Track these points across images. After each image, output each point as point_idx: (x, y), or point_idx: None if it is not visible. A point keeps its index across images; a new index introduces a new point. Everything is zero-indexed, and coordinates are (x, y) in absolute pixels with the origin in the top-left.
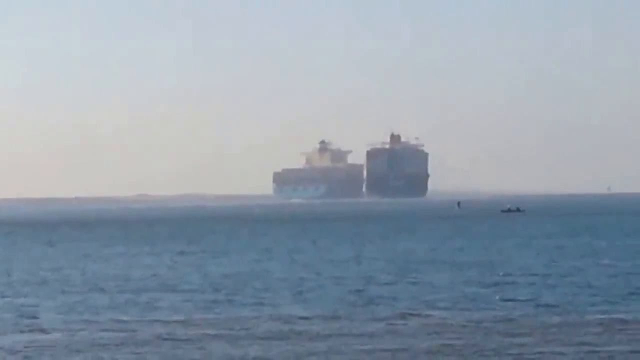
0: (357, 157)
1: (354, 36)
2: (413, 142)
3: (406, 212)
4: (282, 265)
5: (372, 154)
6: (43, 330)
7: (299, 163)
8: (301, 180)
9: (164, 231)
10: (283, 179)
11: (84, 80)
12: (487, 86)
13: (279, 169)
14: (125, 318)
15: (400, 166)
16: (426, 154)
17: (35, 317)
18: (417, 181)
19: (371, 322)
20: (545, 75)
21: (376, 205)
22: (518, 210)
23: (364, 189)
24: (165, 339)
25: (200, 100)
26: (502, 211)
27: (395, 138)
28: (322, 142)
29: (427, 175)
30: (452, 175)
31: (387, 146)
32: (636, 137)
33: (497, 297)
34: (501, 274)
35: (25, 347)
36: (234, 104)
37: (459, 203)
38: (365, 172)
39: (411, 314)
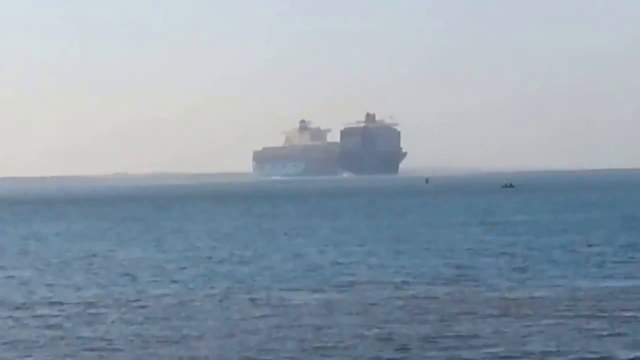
0: (337, 136)
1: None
2: (387, 120)
3: (374, 189)
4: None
5: (345, 133)
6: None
7: (279, 142)
8: (281, 158)
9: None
10: (263, 157)
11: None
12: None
13: (259, 148)
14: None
15: (372, 145)
16: (398, 132)
17: None
18: (390, 159)
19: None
20: (521, 53)
21: (342, 182)
22: (511, 186)
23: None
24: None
25: (184, 80)
26: (502, 187)
27: (370, 117)
28: (302, 121)
29: (400, 153)
30: (427, 153)
31: (362, 125)
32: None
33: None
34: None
35: None
36: (218, 85)
37: (427, 179)
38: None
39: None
